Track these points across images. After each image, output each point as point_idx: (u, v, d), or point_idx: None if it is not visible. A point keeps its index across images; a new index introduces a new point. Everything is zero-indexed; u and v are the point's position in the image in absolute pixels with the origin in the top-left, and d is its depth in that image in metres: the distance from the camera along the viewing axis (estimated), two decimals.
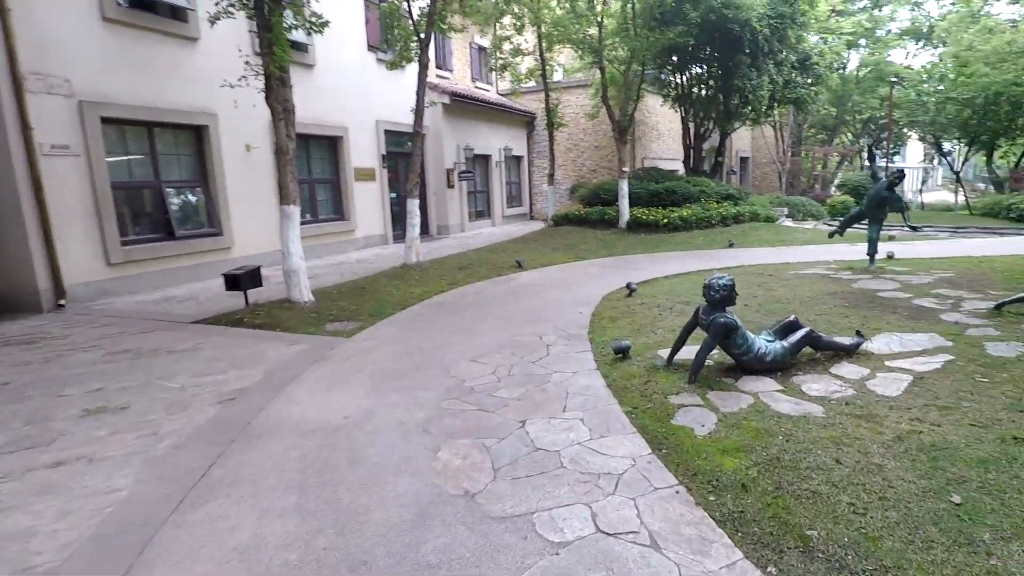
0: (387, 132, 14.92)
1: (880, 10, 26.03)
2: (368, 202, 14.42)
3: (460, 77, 19.13)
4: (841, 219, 9.96)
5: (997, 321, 5.58)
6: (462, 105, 17.04)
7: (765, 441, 3.64)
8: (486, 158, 19.07)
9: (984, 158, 21.69)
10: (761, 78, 15.15)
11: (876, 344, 5.19)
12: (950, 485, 3.06)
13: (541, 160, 21.88)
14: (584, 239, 14.67)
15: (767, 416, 3.98)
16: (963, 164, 22.48)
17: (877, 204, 8.82)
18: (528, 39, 16.26)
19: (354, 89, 13.76)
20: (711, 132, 18.99)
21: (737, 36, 14.32)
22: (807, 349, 4.96)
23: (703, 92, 17.76)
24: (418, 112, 10.91)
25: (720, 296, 4.63)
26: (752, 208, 16.29)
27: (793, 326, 4.92)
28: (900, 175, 8.61)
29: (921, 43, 27.31)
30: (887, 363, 4.76)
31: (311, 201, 13.02)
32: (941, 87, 19.23)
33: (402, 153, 14.84)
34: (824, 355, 4.98)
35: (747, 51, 14.78)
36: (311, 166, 13.01)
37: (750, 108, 16.59)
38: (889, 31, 25.98)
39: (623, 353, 5.39)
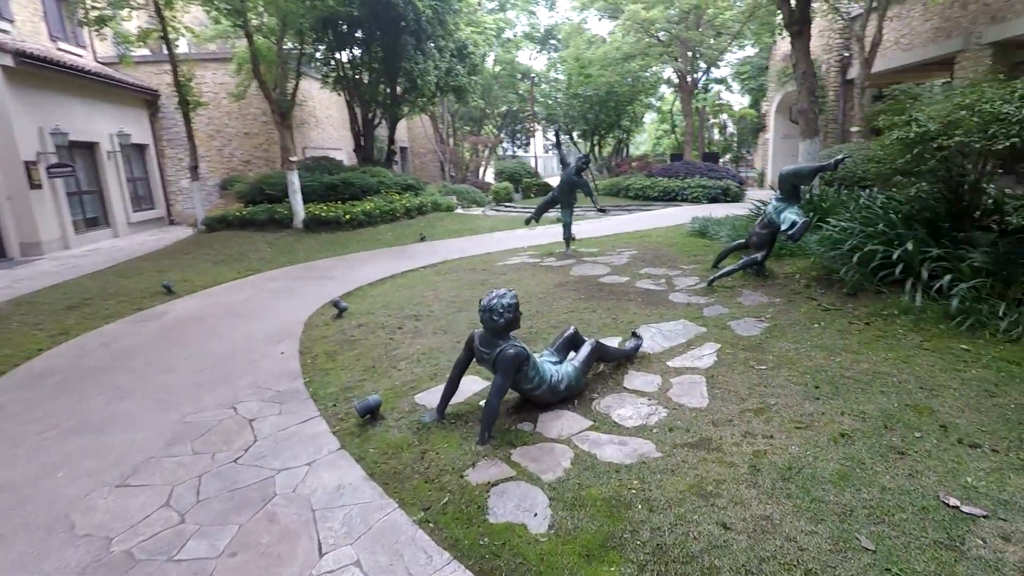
0: None
1: (505, 13, 28.77)
2: None
3: (30, 33, 13.72)
4: (534, 206, 10.07)
5: (715, 297, 5.85)
6: (41, 72, 12.17)
7: (626, 520, 2.63)
8: (91, 147, 14.26)
9: (596, 147, 26.08)
10: (427, 63, 14.67)
11: (644, 341, 4.77)
12: (846, 524, 2.51)
13: (175, 150, 17.66)
14: (254, 245, 12.01)
15: (602, 474, 3.00)
16: (591, 152, 26.74)
17: (568, 189, 8.99)
18: None
19: None
20: (381, 119, 17.94)
21: (401, 14, 13.43)
22: None
23: (368, 75, 16.52)
24: None
25: (505, 320, 3.46)
26: (433, 198, 15.90)
27: (575, 340, 4.09)
28: (586, 160, 8.93)
29: (539, 47, 31.33)
30: (668, 363, 4.32)
31: None
32: (567, 86, 22.23)
33: None
34: (607, 365, 4.31)
35: (412, 32, 14.05)
36: None
37: (418, 94, 16.06)
38: (516, 33, 29.05)
39: (372, 414, 3.82)
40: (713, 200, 17.15)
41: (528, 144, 37.21)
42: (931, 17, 14.72)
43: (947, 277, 4.51)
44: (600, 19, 23.99)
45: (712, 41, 19.35)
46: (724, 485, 2.84)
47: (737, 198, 17.47)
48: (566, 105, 22.03)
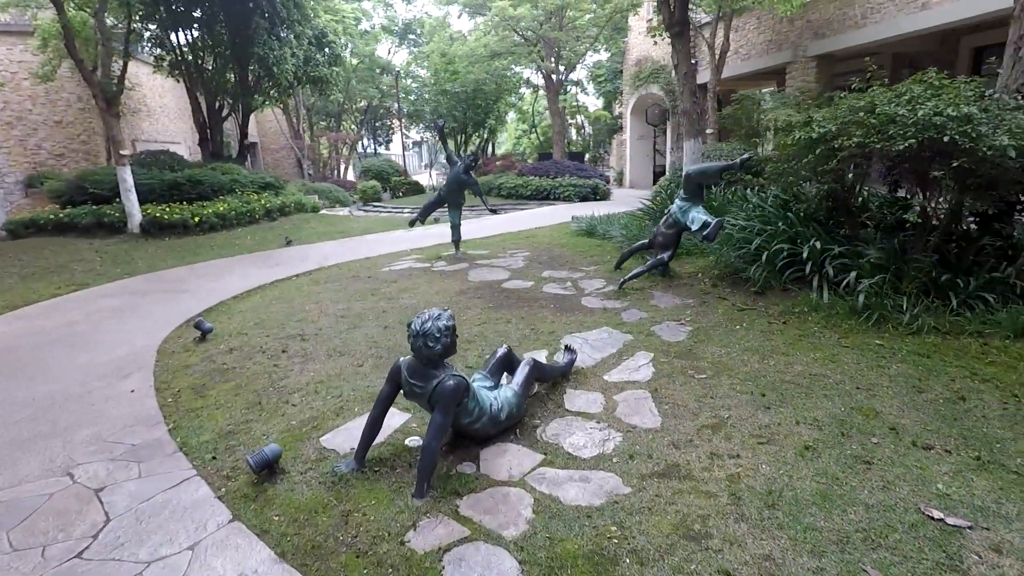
0: None
1: (361, 2, 27.36)
2: None
3: None
4: (420, 207, 9.40)
5: (629, 301, 5.66)
6: None
7: None
8: None
9: (463, 146, 25.56)
10: (283, 49, 13.26)
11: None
12: (847, 554, 2.32)
13: None
14: (78, 254, 9.99)
15: (573, 522, 2.57)
16: (462, 151, 25.96)
17: (456, 188, 8.46)
18: None
19: None
20: (231, 110, 15.99)
21: None
22: None
23: (213, 61, 14.63)
24: None
25: (443, 347, 2.91)
26: (296, 198, 14.48)
27: (509, 360, 3.62)
28: (475, 158, 8.45)
29: (398, 41, 30.22)
30: (605, 378, 4.00)
31: None
32: (433, 82, 21.38)
33: None
34: (542, 385, 3.88)
35: (264, 14, 12.60)
36: None
37: (274, 83, 14.52)
38: (374, 26, 27.72)
39: (270, 467, 3.06)
40: (584, 199, 17.53)
41: (390, 141, 35.95)
42: (764, 31, 16.19)
43: (853, 274, 4.70)
44: (460, 15, 23.60)
45: (575, 43, 19.85)
46: (711, 521, 2.54)
47: (605, 196, 18.03)
48: (433, 101, 21.31)
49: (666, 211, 5.98)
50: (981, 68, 13.50)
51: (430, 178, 26.57)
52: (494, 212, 8.69)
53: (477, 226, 12.31)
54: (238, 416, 3.77)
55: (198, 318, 5.70)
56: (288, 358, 4.74)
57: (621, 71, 23.82)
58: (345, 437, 3.37)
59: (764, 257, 5.25)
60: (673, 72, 20.24)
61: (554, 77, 20.82)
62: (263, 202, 13.08)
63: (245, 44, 13.24)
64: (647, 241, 6.27)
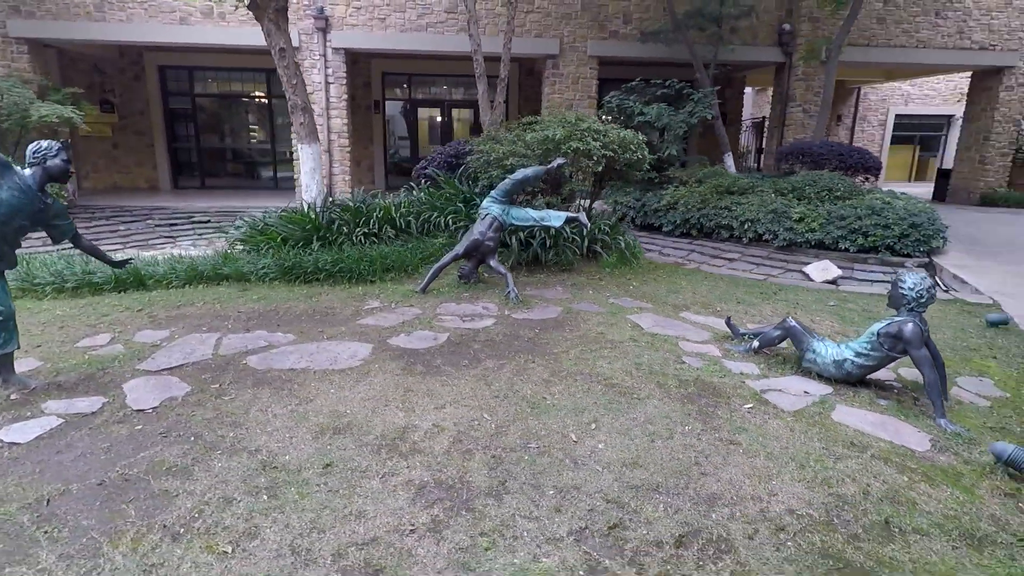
0: None
1: None
2: None
3: None
4: None
5: (544, 308, 5.24)
6: None
7: None
8: None
9: None
10: None
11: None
12: None
13: None
14: None
15: None
16: None
17: (22, 226, 3.37)
18: None
19: None
20: None
21: None
22: None
23: None
24: None
25: None
26: None
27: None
28: (66, 159, 3.30)
29: None
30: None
31: None
32: None
33: None
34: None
35: None
36: None
37: None
38: None
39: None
40: None
41: None
42: None
43: (625, 235, 6.94)
44: None
45: None
46: None
47: None
48: None
49: (482, 216, 5.75)
50: (167, 82, 14.61)
51: None
52: (122, 265, 3.90)
53: None
54: None
55: None
56: None
57: None
58: None
59: (575, 241, 6.55)
60: None
61: None
62: None
63: None
64: (459, 251, 5.71)
